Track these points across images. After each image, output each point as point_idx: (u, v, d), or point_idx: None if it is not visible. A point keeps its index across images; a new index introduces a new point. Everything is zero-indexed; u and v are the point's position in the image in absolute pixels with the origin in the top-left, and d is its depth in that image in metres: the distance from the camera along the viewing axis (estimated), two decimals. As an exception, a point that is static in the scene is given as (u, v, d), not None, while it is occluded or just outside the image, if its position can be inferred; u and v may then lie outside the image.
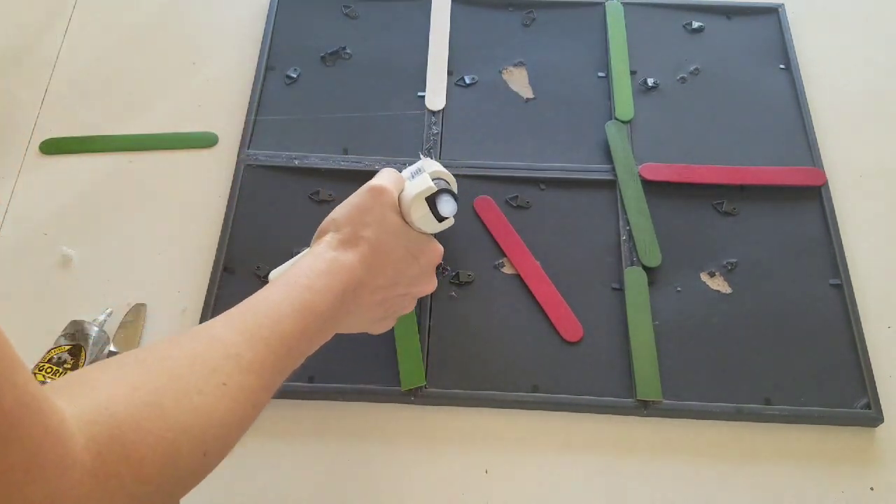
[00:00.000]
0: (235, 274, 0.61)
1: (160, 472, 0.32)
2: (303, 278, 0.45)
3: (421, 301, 0.59)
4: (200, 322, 0.58)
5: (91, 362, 0.56)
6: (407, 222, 0.51)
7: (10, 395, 0.26)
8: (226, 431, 0.35)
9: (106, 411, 0.31)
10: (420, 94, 0.71)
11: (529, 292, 0.60)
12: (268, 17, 0.76)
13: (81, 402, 0.31)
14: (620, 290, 0.61)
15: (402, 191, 0.53)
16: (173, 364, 0.35)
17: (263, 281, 0.61)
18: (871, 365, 0.57)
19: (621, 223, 0.64)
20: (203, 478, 0.36)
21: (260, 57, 0.73)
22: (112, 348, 0.58)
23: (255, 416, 0.38)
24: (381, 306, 0.51)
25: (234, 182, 0.66)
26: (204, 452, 0.34)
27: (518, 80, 0.73)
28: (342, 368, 0.57)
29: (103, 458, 0.30)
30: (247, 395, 0.37)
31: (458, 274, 0.61)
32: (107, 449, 0.30)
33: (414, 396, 0.56)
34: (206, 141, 0.69)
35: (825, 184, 0.66)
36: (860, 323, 0.59)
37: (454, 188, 0.56)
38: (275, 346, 0.40)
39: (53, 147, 0.68)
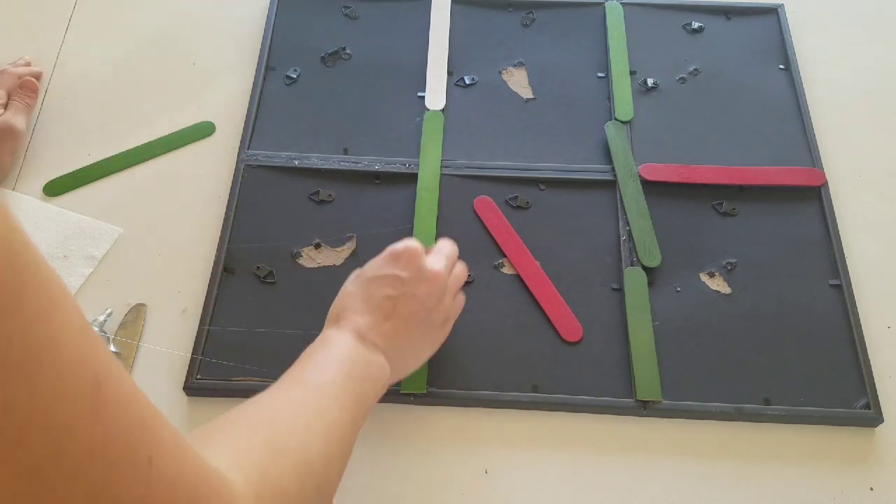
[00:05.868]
0: (235, 274, 0.61)
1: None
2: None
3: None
4: (200, 322, 0.58)
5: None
6: None
7: (190, 468, 0.30)
8: (326, 463, 0.41)
9: (251, 468, 0.35)
10: (420, 94, 0.71)
11: (529, 292, 0.61)
12: (268, 17, 0.76)
13: (223, 459, 0.35)
14: (620, 291, 0.61)
15: None
16: (272, 419, 0.41)
17: (263, 281, 0.61)
18: (870, 365, 0.57)
19: (621, 223, 0.64)
20: None
21: (260, 57, 0.73)
22: (112, 348, 0.58)
23: (342, 449, 0.43)
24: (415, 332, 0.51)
25: (234, 182, 0.66)
26: (317, 483, 0.40)
27: (518, 81, 0.73)
28: (342, 368, 0.57)
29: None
30: (329, 433, 0.42)
31: (457, 274, 0.61)
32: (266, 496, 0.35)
33: (414, 397, 0.56)
34: (202, 132, 0.70)
35: (825, 184, 0.66)
36: (860, 323, 0.59)
37: None
38: (329, 392, 0.44)
39: (57, 188, 0.66)
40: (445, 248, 0.54)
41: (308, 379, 0.45)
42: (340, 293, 0.51)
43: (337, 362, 0.46)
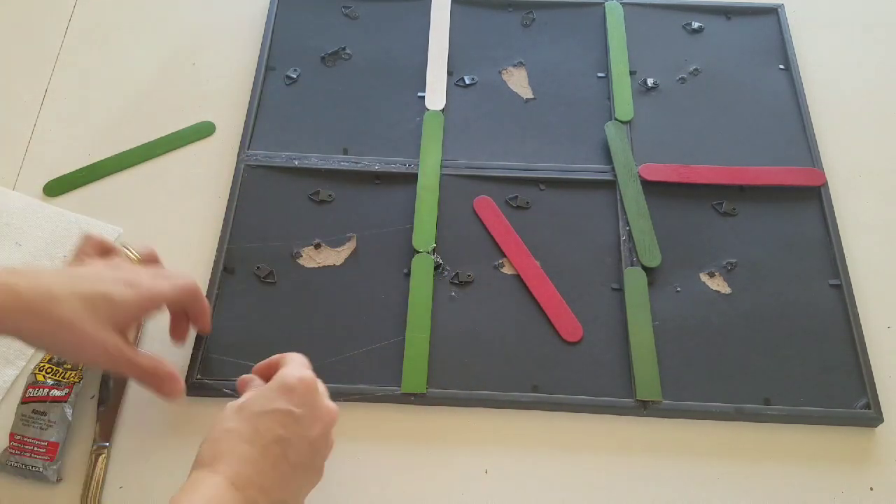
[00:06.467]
0: (235, 274, 0.61)
1: None
2: None
3: (423, 301, 0.59)
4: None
5: (91, 362, 0.56)
6: None
7: None
8: None
9: None
10: (420, 94, 0.71)
11: (529, 292, 0.61)
12: (268, 17, 0.76)
13: None
14: (620, 290, 0.61)
15: None
16: None
17: (263, 281, 0.61)
18: (870, 365, 0.57)
19: (621, 223, 0.64)
20: None
21: (260, 57, 0.73)
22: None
23: None
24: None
25: (234, 182, 0.66)
26: None
27: (518, 81, 0.73)
28: (342, 368, 0.57)
29: None
30: None
31: (457, 274, 0.61)
32: None
33: (414, 397, 0.56)
34: (202, 132, 0.70)
35: (825, 184, 0.66)
36: (860, 323, 0.59)
37: None
38: None
39: (57, 188, 0.66)
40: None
41: None
42: (216, 429, 0.43)
43: None
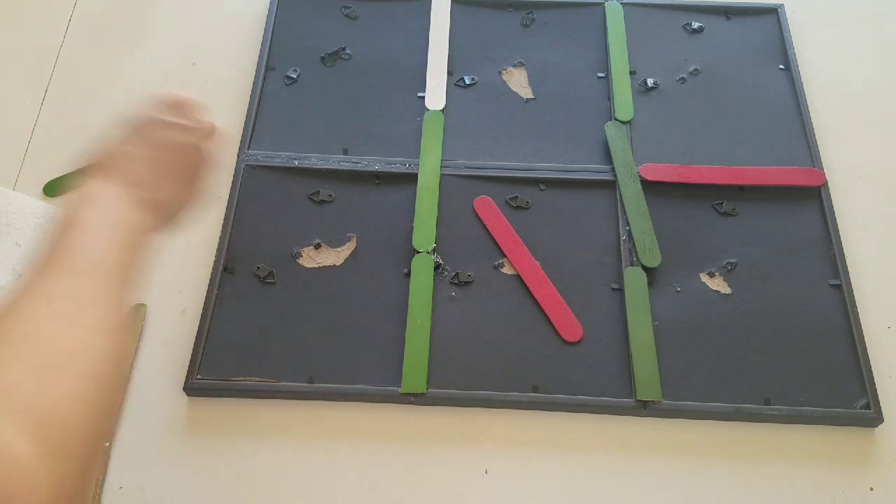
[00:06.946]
0: (235, 274, 0.61)
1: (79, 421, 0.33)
2: None
3: (423, 301, 0.59)
4: (200, 322, 0.58)
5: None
6: None
7: None
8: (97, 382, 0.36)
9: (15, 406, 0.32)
10: (420, 94, 0.71)
11: (529, 292, 0.61)
12: (268, 17, 0.76)
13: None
14: (620, 291, 0.61)
15: None
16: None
17: (263, 281, 0.61)
18: (870, 365, 0.57)
19: (621, 223, 0.64)
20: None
21: (260, 57, 0.73)
22: (112, 348, 0.58)
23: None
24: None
25: (234, 182, 0.66)
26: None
27: (518, 81, 0.73)
28: (342, 368, 0.57)
29: (40, 439, 0.31)
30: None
31: (457, 274, 0.61)
32: (37, 431, 0.31)
33: (414, 397, 0.56)
34: None
35: (825, 184, 0.66)
36: (860, 323, 0.59)
37: None
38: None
39: (57, 188, 0.66)
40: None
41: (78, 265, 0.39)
42: (104, 144, 0.47)
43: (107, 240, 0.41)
